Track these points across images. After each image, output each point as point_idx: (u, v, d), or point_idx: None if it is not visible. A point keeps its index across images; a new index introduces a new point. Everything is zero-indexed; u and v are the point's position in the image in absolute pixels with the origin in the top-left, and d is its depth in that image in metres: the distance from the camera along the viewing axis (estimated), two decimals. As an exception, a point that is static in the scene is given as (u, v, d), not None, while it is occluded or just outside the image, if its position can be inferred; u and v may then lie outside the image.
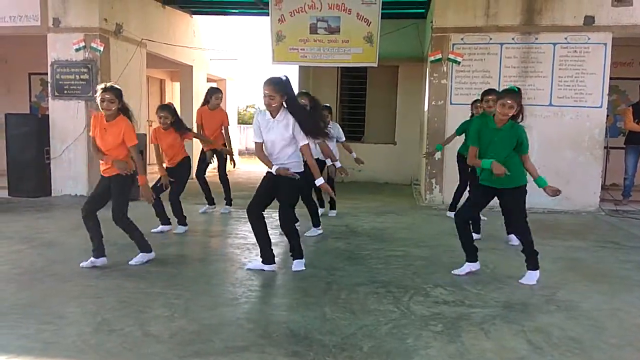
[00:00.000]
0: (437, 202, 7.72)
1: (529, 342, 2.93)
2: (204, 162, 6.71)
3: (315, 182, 4.09)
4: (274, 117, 4.07)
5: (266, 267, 4.22)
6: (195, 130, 6.68)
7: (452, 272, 4.19)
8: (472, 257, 4.20)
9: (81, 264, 4.22)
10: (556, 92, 7.37)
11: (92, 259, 4.24)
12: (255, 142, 4.23)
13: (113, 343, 2.86)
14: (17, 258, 4.51)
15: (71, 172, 8.04)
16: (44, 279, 3.94)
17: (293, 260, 4.29)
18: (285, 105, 4.04)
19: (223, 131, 6.85)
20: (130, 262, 4.31)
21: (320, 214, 6.44)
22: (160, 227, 5.61)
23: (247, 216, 4.23)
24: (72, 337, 2.92)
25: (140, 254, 4.37)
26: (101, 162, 4.26)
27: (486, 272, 4.29)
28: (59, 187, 8.09)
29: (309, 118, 4.10)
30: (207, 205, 6.90)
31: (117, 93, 4.18)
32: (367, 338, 2.94)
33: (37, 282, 3.86)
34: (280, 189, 4.16)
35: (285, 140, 4.05)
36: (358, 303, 3.51)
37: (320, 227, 5.69)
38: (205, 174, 6.78)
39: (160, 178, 5.54)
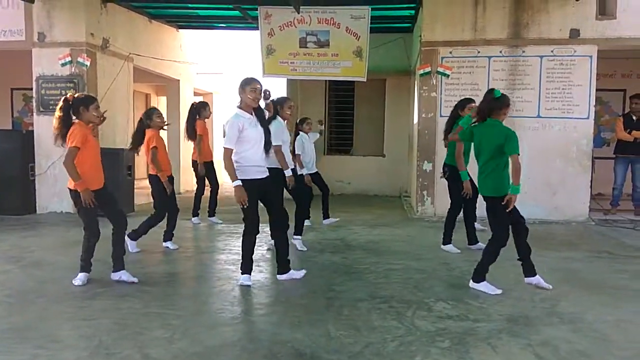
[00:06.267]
0: (429, 214, 7.72)
1: (537, 356, 2.90)
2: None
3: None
4: (251, 115, 4.13)
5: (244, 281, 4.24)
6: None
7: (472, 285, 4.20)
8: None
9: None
10: (544, 104, 7.47)
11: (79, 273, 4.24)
12: (226, 148, 3.98)
13: (113, 367, 2.76)
14: (5, 279, 4.36)
15: (56, 189, 7.85)
16: (36, 300, 3.81)
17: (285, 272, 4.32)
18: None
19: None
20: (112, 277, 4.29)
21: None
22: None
23: (251, 237, 4.19)
24: (69, 362, 2.81)
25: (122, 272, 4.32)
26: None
27: (486, 285, 4.26)
28: (44, 204, 7.91)
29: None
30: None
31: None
32: (374, 356, 2.89)
33: (28, 304, 3.73)
34: (268, 194, 4.20)
35: (262, 138, 4.16)
36: (361, 319, 3.46)
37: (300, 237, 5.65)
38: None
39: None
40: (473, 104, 5.39)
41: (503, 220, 3.98)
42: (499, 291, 4.03)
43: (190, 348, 3.00)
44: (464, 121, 5.01)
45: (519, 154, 3.93)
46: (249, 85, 4.07)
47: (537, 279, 4.16)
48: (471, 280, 4.18)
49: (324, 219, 6.97)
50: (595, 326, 3.36)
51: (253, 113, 4.14)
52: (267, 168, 4.29)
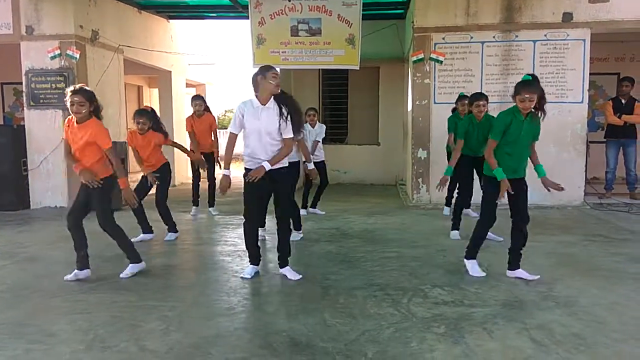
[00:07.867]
0: (424, 202, 7.72)
1: (532, 340, 2.91)
2: (197, 170, 7.00)
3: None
4: (264, 105, 3.94)
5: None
6: (187, 137, 7.26)
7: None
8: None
9: (65, 277, 4.11)
10: (538, 89, 7.43)
11: (75, 271, 4.13)
12: (231, 133, 4.01)
13: (108, 360, 2.75)
14: (-1, 275, 4.34)
15: (50, 184, 7.81)
16: (30, 295, 3.79)
17: (280, 267, 4.23)
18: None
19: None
20: (121, 276, 4.17)
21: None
22: (141, 236, 5.49)
23: (247, 226, 4.15)
24: (65, 356, 2.80)
25: (130, 265, 4.24)
26: (73, 167, 4.14)
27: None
28: (38, 199, 7.86)
29: (299, 113, 4.07)
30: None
31: (87, 95, 3.99)
32: (370, 343, 2.89)
33: (23, 299, 3.71)
34: (275, 186, 4.08)
35: (271, 130, 3.92)
36: (357, 307, 3.46)
37: (301, 231, 5.59)
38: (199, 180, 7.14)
39: (140, 181, 5.47)
40: (466, 100, 5.48)
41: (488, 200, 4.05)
42: (482, 275, 4.12)
43: (186, 339, 2.99)
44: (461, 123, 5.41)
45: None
46: (269, 71, 3.87)
47: (519, 272, 4.08)
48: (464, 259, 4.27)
49: (311, 207, 7.08)
50: (590, 309, 3.37)
51: (272, 100, 3.93)
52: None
